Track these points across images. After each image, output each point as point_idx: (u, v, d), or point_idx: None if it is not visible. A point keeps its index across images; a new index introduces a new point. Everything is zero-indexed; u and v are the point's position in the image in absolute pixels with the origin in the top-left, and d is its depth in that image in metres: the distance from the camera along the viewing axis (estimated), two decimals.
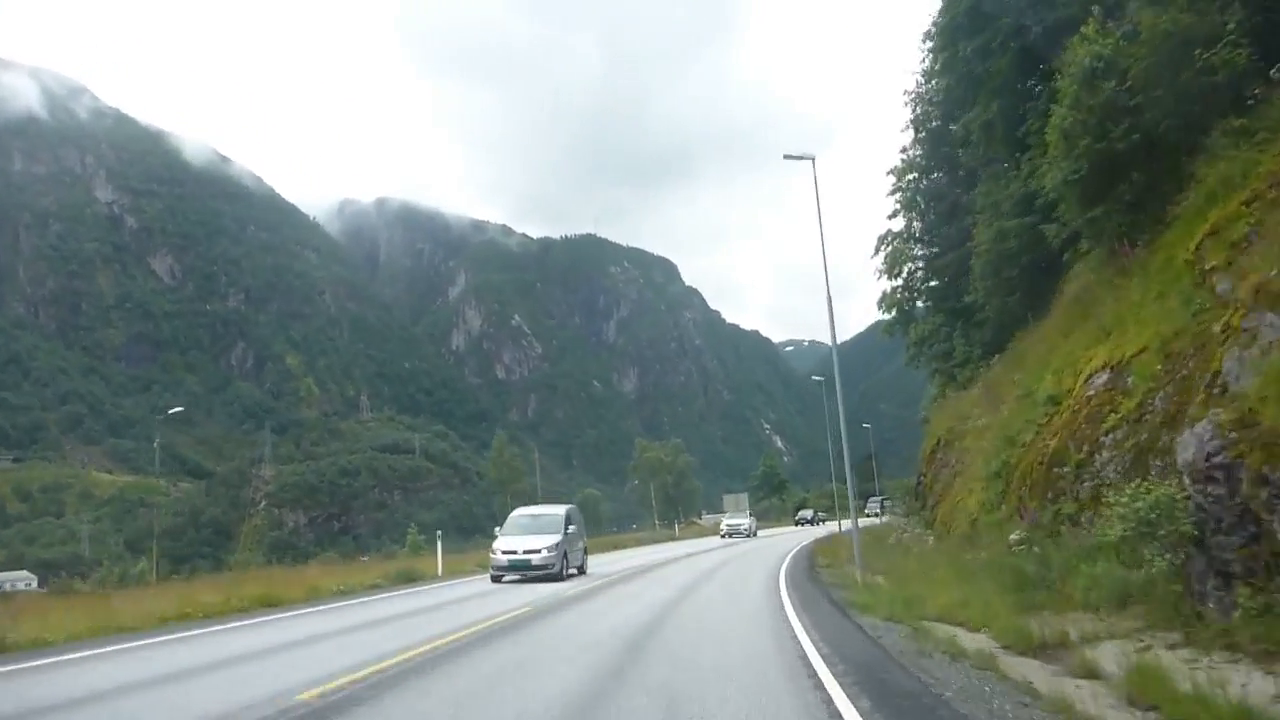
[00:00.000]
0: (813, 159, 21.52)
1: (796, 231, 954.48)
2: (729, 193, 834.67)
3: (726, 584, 20.07)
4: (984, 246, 24.68)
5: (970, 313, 28.83)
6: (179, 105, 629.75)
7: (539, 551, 22.23)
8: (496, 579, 22.45)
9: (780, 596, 15.78)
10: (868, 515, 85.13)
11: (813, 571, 23.04)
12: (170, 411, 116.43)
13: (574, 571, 23.90)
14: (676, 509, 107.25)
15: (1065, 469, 12.75)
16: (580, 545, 25.90)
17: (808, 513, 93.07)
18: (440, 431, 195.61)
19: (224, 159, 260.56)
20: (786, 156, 21.72)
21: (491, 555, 23.15)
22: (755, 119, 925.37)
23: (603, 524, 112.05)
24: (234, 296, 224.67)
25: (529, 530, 23.59)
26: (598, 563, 29.66)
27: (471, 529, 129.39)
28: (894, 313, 35.37)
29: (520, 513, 26.42)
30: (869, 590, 15.39)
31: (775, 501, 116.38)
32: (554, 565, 22.31)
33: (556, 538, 23.02)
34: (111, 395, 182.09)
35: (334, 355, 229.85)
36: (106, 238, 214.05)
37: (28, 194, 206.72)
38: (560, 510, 25.67)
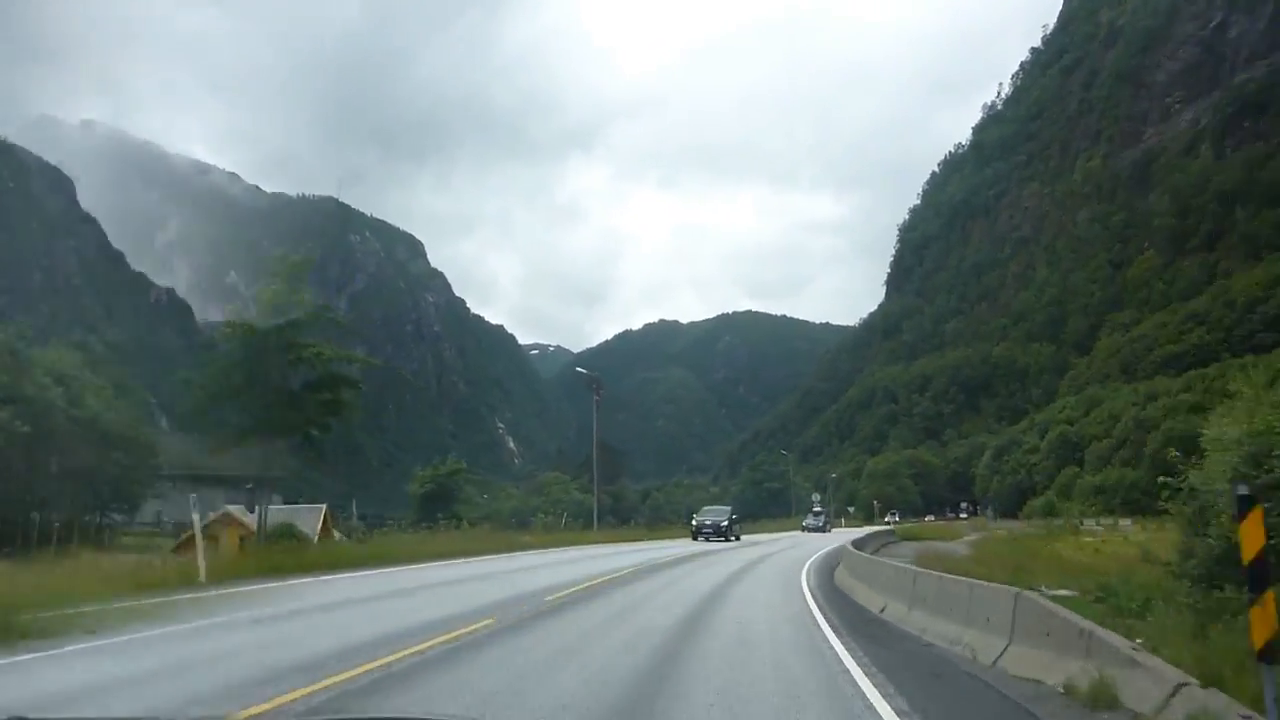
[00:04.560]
0: None
1: (551, 235, 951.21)
2: (485, 180, 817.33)
3: None
4: None
5: None
6: None
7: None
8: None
9: None
10: (887, 523, 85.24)
11: None
12: None
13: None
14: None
15: None
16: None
17: None
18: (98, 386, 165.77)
19: None
20: None
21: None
22: (517, 104, 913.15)
23: None
24: None
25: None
26: None
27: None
28: None
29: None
30: None
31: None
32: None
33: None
34: None
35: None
36: None
37: None
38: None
